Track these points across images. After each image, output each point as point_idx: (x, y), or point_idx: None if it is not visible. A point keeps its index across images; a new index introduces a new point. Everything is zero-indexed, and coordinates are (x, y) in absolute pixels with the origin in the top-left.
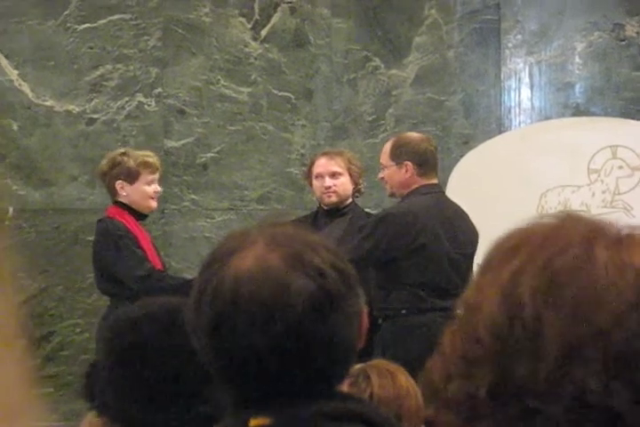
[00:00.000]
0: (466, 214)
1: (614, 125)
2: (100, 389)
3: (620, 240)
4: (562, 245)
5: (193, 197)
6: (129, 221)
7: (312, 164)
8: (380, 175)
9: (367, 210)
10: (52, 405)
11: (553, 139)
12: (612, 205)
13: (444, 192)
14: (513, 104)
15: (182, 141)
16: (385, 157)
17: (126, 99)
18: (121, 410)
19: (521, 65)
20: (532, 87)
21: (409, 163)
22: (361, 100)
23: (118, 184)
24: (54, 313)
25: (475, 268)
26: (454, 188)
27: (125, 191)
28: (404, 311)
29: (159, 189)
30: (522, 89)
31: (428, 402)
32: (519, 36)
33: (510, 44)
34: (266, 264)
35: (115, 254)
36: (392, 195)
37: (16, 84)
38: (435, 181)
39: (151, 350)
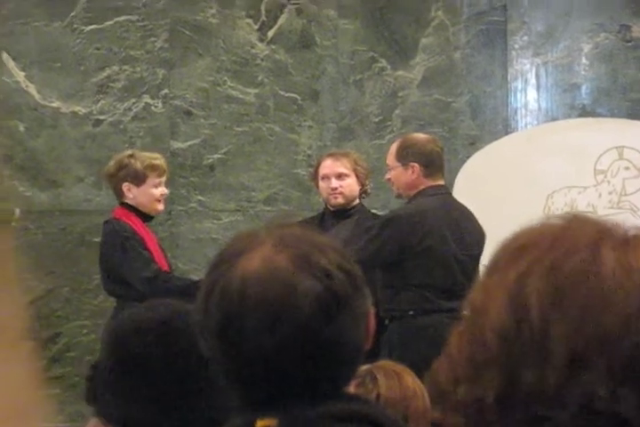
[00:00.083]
0: (472, 215)
1: (621, 126)
2: (100, 391)
3: (626, 242)
4: (569, 248)
5: (200, 198)
6: (135, 223)
7: (318, 165)
8: (387, 176)
9: (374, 211)
10: (59, 406)
11: (559, 140)
12: (619, 206)
13: (450, 193)
14: (519, 105)
15: (189, 143)
16: (391, 158)
17: (133, 100)
18: (121, 413)
19: (527, 66)
20: (538, 88)
21: (415, 164)
22: (367, 102)
23: (125, 186)
24: (60, 314)
25: (481, 269)
26: (461, 189)
27: (132, 194)
28: (410, 312)
29: (166, 191)
30: (528, 90)
31: (435, 403)
32: (526, 38)
33: (517, 46)
34: (273, 265)
35: (121, 256)
36: (399, 196)
37: (23, 85)
38: (441, 182)
39: (153, 354)
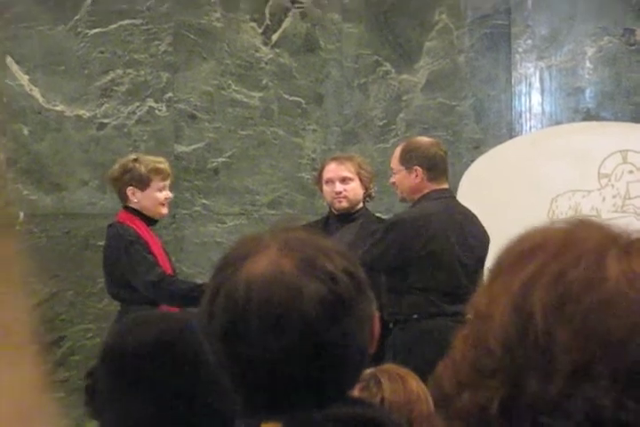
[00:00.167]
0: (477, 219)
1: (625, 130)
2: (100, 403)
3: (631, 248)
4: (573, 255)
5: (204, 201)
6: (139, 227)
7: (322, 169)
8: (391, 180)
9: (378, 215)
10: (63, 409)
11: (563, 144)
12: (623, 209)
13: (454, 197)
14: (523, 109)
15: (193, 146)
16: (395, 161)
17: (137, 104)
18: (115, 418)
19: (531, 70)
20: (542, 92)
21: (418, 168)
22: (372, 105)
23: (129, 190)
24: (65, 318)
25: (485, 272)
26: (465, 193)
27: (136, 197)
28: (415, 316)
29: (170, 195)
30: (532, 94)
31: (438, 407)
32: (529, 41)
33: (521, 49)
34: (278, 269)
35: (125, 260)
36: (403, 200)
37: (27, 88)
38: (445, 185)
39: (150, 365)
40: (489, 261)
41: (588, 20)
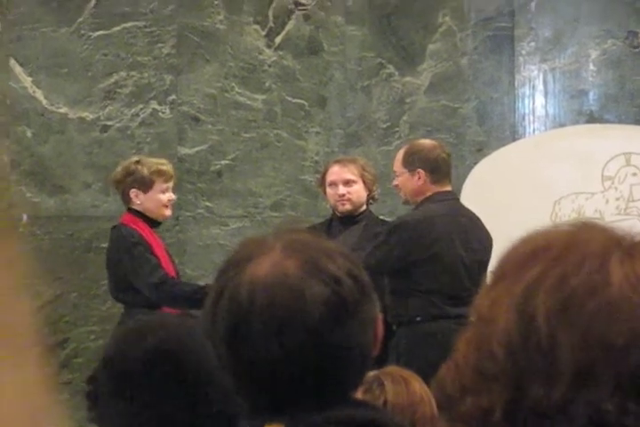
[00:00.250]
0: (480, 221)
1: (628, 133)
2: (98, 402)
3: (634, 250)
4: (577, 260)
5: (207, 204)
6: (143, 229)
7: (325, 171)
8: (394, 183)
9: (381, 217)
10: (68, 411)
11: (567, 146)
12: (626, 212)
13: (457, 199)
14: (527, 111)
15: (196, 149)
16: (398, 164)
17: (140, 106)
18: (118, 424)
19: (535, 72)
20: (545, 94)
21: (421, 170)
22: (375, 108)
23: (132, 193)
24: (68, 320)
25: (488, 274)
26: (468, 195)
27: (139, 200)
28: (418, 318)
29: (173, 197)
30: (536, 96)
31: (442, 410)
32: (533, 44)
33: (524, 52)
34: (282, 271)
35: (128, 262)
36: (406, 202)
37: (30, 91)
38: (448, 188)
39: (151, 372)
40: (492, 264)
41: (592, 23)
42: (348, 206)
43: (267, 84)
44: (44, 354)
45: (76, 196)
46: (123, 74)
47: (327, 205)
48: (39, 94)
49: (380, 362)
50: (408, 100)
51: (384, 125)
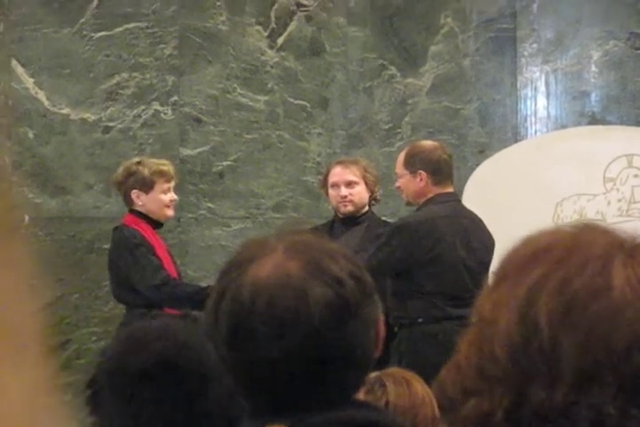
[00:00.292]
0: (482, 223)
1: (630, 134)
2: (98, 406)
3: (636, 252)
4: (579, 262)
5: (209, 205)
6: (145, 230)
7: (327, 173)
8: (396, 184)
9: (383, 218)
10: (70, 412)
11: (569, 147)
12: (628, 213)
13: (459, 200)
14: (529, 113)
15: (198, 150)
16: (399, 166)
17: (142, 107)
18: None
19: (537, 74)
20: (547, 96)
21: (422, 172)
22: (377, 109)
23: (134, 193)
24: (70, 321)
25: (490, 276)
26: (470, 197)
27: (141, 201)
28: (420, 320)
29: (175, 197)
30: (538, 98)
31: (443, 411)
32: (535, 45)
33: (526, 53)
34: (284, 272)
35: (130, 263)
36: (408, 204)
37: (32, 92)
38: (450, 189)
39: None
40: (494, 265)
41: (594, 24)
42: (350, 208)
43: (269, 86)
44: (46, 355)
45: (78, 197)
46: (125, 75)
47: (329, 206)
48: (41, 95)
49: (382, 363)
50: (410, 102)
51: (386, 127)
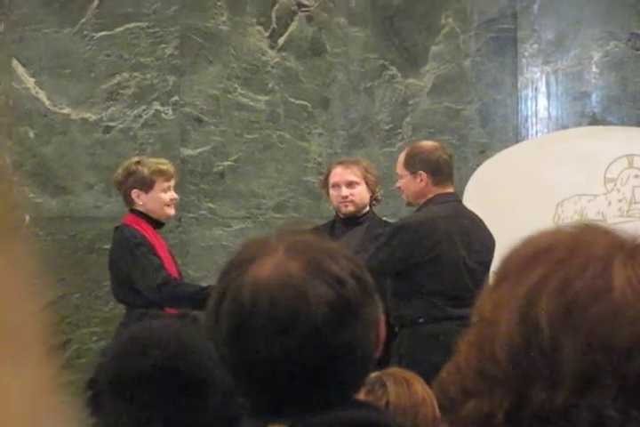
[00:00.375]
0: (482, 223)
1: (631, 135)
2: (98, 408)
3: (637, 253)
4: (580, 263)
5: (210, 205)
6: (146, 229)
7: (328, 173)
8: (397, 185)
9: (384, 219)
10: (70, 412)
11: (569, 148)
12: (629, 214)
13: (460, 201)
14: (530, 113)
15: (199, 150)
16: (400, 166)
17: (143, 107)
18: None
19: (538, 74)
20: (548, 96)
21: (423, 172)
22: (378, 109)
23: (134, 193)
24: (71, 321)
25: (491, 276)
26: (471, 197)
27: (142, 200)
28: (420, 320)
29: (175, 195)
30: (538, 98)
31: (443, 411)
32: (536, 46)
33: (527, 54)
34: (285, 272)
35: (131, 263)
36: (409, 204)
37: (32, 91)
38: (450, 189)
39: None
40: (494, 265)
41: (595, 25)
42: (351, 208)
43: (269, 86)
44: (47, 355)
45: (79, 197)
46: (125, 75)
47: (330, 206)
48: (42, 95)
49: (383, 364)
50: (411, 102)
51: (387, 127)
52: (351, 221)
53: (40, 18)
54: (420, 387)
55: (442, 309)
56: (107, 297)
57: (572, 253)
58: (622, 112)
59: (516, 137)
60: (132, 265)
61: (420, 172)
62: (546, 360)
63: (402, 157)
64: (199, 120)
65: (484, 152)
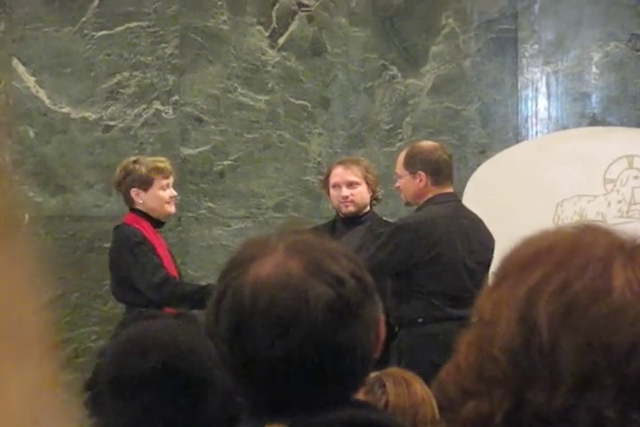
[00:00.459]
0: (482, 223)
1: (630, 135)
2: (97, 409)
3: (637, 254)
4: (580, 264)
5: (210, 204)
6: (146, 229)
7: (329, 173)
8: (396, 185)
9: (384, 218)
10: (68, 412)
11: (569, 149)
12: (628, 214)
13: (460, 201)
14: (530, 114)
15: (199, 149)
16: (399, 166)
17: (143, 106)
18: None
19: (538, 75)
20: (548, 97)
21: (422, 172)
22: (378, 109)
23: (133, 192)
24: (70, 320)
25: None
26: (470, 197)
27: (141, 199)
28: (420, 320)
29: (175, 193)
30: (539, 99)
31: (442, 412)
32: (536, 46)
33: (527, 54)
34: (285, 271)
35: (131, 262)
36: (408, 204)
37: (33, 90)
38: (450, 189)
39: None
40: (494, 265)
41: (595, 26)
42: (351, 208)
43: (270, 85)
44: (46, 354)
45: (79, 196)
46: (126, 74)
47: (330, 206)
48: (42, 94)
49: (382, 364)
50: (411, 102)
51: (387, 127)
52: (352, 221)
53: (40, 17)
54: (419, 387)
55: (441, 309)
56: (106, 296)
57: (573, 254)
58: (622, 113)
59: (516, 137)
60: (131, 264)
61: (420, 172)
62: (545, 361)
63: (401, 156)
64: (199, 120)
65: (483, 152)
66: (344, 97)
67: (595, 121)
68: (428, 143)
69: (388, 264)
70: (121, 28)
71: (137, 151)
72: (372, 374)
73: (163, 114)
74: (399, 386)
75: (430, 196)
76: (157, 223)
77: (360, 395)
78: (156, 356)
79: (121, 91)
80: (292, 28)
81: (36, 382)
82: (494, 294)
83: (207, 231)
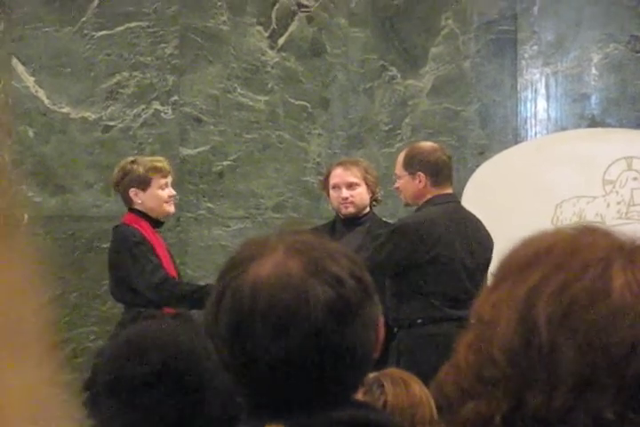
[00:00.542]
0: (481, 224)
1: (630, 137)
2: (96, 409)
3: (636, 255)
4: (579, 265)
5: (209, 205)
6: (145, 229)
7: (328, 174)
8: (395, 185)
9: (383, 219)
10: (67, 411)
11: (568, 150)
12: (627, 216)
13: (459, 202)
14: (529, 115)
15: (198, 149)
16: (399, 167)
17: (142, 106)
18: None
19: (537, 76)
20: (548, 98)
21: (421, 173)
22: (377, 110)
23: (131, 192)
24: (69, 320)
25: (489, 277)
26: (469, 198)
27: (140, 199)
28: (419, 321)
29: (173, 192)
30: (538, 100)
31: (441, 412)
32: (535, 47)
33: (527, 55)
34: (285, 271)
35: (130, 261)
36: (407, 204)
37: (32, 90)
38: (449, 190)
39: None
40: (493, 266)
41: (594, 27)
42: (351, 209)
43: (269, 86)
44: (45, 353)
45: (78, 196)
46: (125, 74)
47: (329, 206)
48: (41, 94)
49: (381, 364)
50: (410, 103)
51: (386, 128)
52: (352, 221)
53: (40, 17)
54: (417, 388)
55: (440, 309)
56: (105, 296)
57: (572, 255)
58: (621, 114)
59: (516, 138)
60: (130, 264)
61: (419, 173)
62: (544, 362)
63: (401, 157)
64: (198, 120)
65: (483, 153)
66: (343, 98)
67: (594, 122)
68: (427, 144)
69: (387, 265)
70: (121, 28)
71: (136, 151)
72: (371, 375)
73: (162, 114)
74: (397, 386)
75: (429, 196)
76: (156, 223)
77: (358, 395)
78: (155, 356)
79: (120, 91)
80: (291, 28)
81: (35, 382)
82: (493, 295)
83: (206, 232)
